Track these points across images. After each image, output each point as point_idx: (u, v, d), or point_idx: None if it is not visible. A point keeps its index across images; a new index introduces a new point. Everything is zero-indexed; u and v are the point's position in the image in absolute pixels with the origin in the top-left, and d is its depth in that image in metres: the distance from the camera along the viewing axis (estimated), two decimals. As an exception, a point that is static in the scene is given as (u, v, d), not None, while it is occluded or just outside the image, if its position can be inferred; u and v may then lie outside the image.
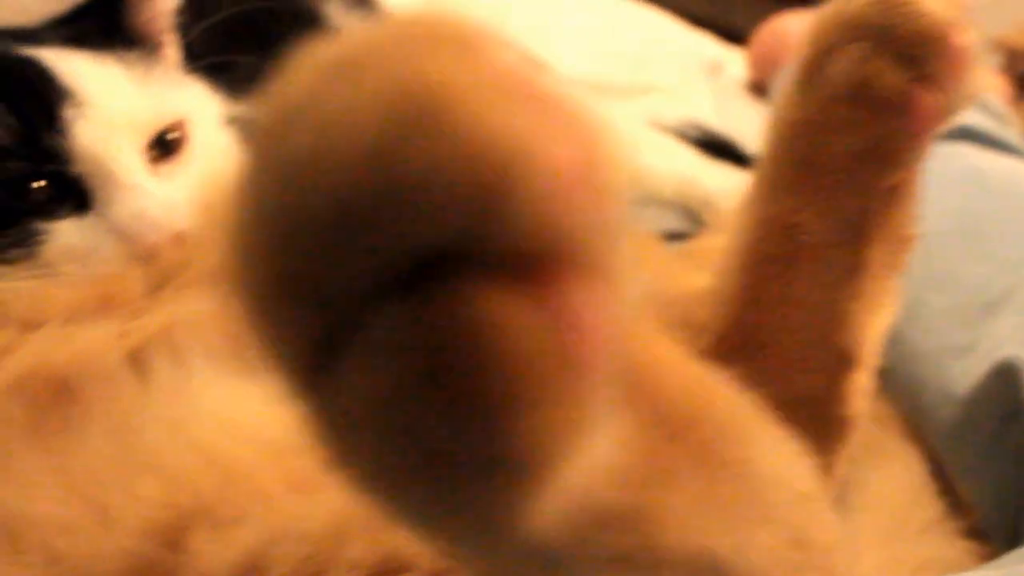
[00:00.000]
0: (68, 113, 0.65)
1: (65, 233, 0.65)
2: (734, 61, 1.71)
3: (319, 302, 0.21)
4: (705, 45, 1.78)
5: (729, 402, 0.31)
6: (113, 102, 0.68)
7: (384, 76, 0.20)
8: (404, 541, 0.42)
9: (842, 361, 0.54)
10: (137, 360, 0.55)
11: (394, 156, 0.19)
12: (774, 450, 0.33)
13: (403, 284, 0.20)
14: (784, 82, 0.53)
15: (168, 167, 0.71)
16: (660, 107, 1.43)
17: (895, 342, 0.58)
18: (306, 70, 0.22)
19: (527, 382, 0.20)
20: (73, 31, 0.74)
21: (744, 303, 0.57)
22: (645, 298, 0.26)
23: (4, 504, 0.46)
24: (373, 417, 0.21)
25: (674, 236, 1.09)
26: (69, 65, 0.69)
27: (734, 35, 1.80)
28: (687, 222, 1.16)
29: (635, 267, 0.23)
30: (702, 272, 0.72)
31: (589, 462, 0.23)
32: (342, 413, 0.22)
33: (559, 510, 0.24)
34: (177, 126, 0.72)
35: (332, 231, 0.20)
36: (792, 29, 1.54)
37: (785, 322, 0.55)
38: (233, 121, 0.80)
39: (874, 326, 0.55)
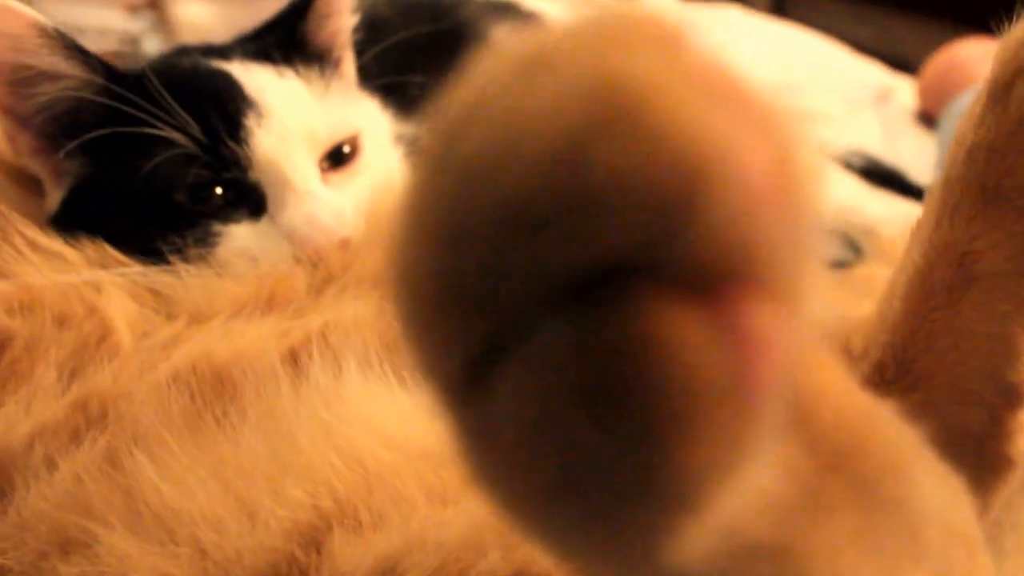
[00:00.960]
0: (250, 123, 0.67)
1: (239, 236, 0.66)
2: (903, 90, 1.63)
3: (483, 308, 0.19)
4: (873, 74, 1.69)
5: (892, 435, 0.28)
6: (292, 114, 0.68)
7: (579, 71, 0.18)
8: (538, 555, 0.40)
9: (1009, 397, 0.50)
10: (294, 359, 0.54)
11: (584, 155, 0.17)
12: (936, 488, 0.29)
13: (570, 295, 0.18)
14: (969, 101, 0.48)
15: (339, 177, 0.71)
16: (824, 136, 1.37)
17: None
18: (492, 65, 0.20)
19: (697, 403, 0.18)
20: (259, 46, 0.75)
21: (906, 332, 0.53)
22: (819, 324, 0.23)
23: (162, 497, 0.46)
24: (526, 433, 0.19)
25: (833, 264, 1.03)
26: (253, 78, 0.70)
27: (903, 64, 1.71)
28: (847, 251, 1.10)
29: (817, 291, 0.20)
30: (862, 300, 0.67)
31: (747, 491, 0.20)
32: (493, 429, 0.20)
33: (709, 539, 0.21)
34: (350, 140, 0.72)
35: (507, 232, 0.18)
36: (967, 58, 1.45)
37: (949, 354, 0.50)
38: (402, 139, 0.81)
39: (1046, 361, 0.50)
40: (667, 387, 0.18)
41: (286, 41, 0.75)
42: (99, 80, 0.66)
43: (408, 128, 0.84)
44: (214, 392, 0.52)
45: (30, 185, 0.69)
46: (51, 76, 0.65)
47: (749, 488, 0.20)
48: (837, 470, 0.25)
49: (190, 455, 0.47)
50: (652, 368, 0.18)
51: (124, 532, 0.44)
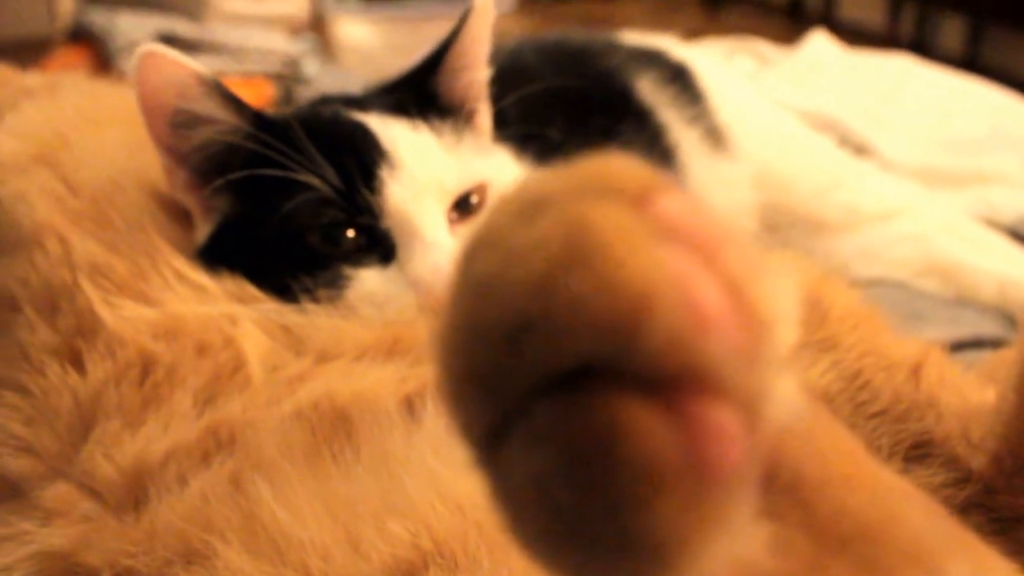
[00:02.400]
0: (383, 174, 0.75)
1: (368, 280, 0.74)
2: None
3: (494, 394, 0.26)
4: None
5: (917, 525, 0.32)
6: (423, 167, 0.76)
7: (559, 217, 0.26)
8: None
9: None
10: (409, 406, 0.61)
11: (554, 286, 0.25)
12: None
13: (560, 385, 0.25)
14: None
15: (467, 227, 0.78)
16: (996, 200, 1.36)
17: None
18: (501, 204, 0.28)
19: (652, 482, 0.24)
20: (395, 99, 0.83)
21: (1020, 425, 0.55)
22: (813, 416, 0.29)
23: (277, 521, 0.53)
24: (530, 493, 0.26)
25: (987, 343, 1.03)
26: (388, 131, 0.78)
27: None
28: (1006, 329, 1.09)
29: (784, 394, 0.26)
30: (991, 386, 0.69)
31: (725, 558, 0.26)
32: (509, 486, 0.27)
33: None
34: (478, 190, 0.80)
35: (504, 338, 0.25)
36: None
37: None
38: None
39: None
40: (625, 465, 0.24)
41: (420, 95, 0.83)
42: (247, 126, 0.75)
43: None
44: (333, 429, 0.59)
45: (181, 218, 0.79)
46: (207, 120, 0.75)
47: (727, 555, 0.26)
48: (841, 553, 0.30)
49: (306, 486, 0.54)
50: (613, 449, 0.24)
51: (240, 549, 0.51)
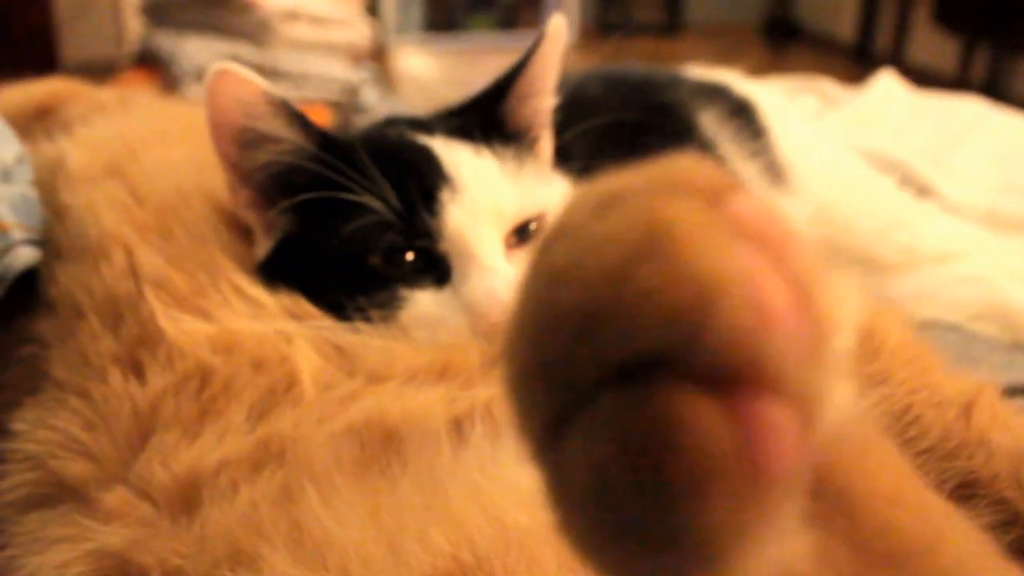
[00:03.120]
0: (444, 197, 0.77)
1: (422, 302, 0.76)
2: None
3: (557, 385, 0.27)
4: None
5: (963, 547, 0.33)
6: (484, 192, 0.78)
7: (627, 212, 0.27)
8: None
9: None
10: (458, 426, 0.62)
11: (627, 277, 0.26)
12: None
13: (622, 378, 0.26)
14: None
15: (524, 254, 0.79)
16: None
17: None
18: (578, 198, 0.29)
19: (707, 476, 0.25)
20: (460, 123, 0.86)
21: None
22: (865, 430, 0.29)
23: (322, 526, 0.54)
24: (586, 484, 0.27)
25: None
26: (451, 155, 0.80)
27: None
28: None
29: (839, 399, 0.27)
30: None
31: (770, 560, 0.27)
32: (565, 478, 0.28)
33: None
34: (538, 218, 0.81)
35: (572, 328, 0.27)
36: None
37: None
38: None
39: None
40: (682, 459, 0.25)
41: (486, 120, 0.85)
42: (312, 147, 0.78)
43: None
44: (382, 446, 0.61)
45: (243, 233, 0.82)
46: (273, 139, 0.78)
47: (772, 558, 0.27)
48: (883, 569, 0.30)
49: (353, 496, 0.56)
50: (671, 442, 0.25)
51: (285, 554, 0.53)
